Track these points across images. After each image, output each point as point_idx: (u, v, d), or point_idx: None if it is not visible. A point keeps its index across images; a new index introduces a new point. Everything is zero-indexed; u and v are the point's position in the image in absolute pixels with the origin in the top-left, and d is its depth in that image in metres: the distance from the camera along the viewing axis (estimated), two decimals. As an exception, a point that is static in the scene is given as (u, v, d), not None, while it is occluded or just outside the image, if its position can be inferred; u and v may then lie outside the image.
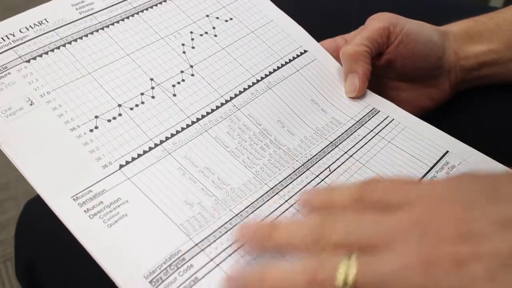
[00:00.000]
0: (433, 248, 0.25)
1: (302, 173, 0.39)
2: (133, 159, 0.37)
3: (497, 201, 0.26)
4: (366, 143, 0.42)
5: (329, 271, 0.26)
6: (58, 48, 0.41)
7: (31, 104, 0.38)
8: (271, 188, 0.38)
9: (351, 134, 0.43)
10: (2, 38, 0.40)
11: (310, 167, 0.40)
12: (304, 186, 0.38)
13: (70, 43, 0.42)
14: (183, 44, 0.45)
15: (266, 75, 0.45)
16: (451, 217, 0.26)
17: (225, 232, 0.34)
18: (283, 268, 0.28)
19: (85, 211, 0.34)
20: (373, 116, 0.44)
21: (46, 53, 0.41)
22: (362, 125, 0.44)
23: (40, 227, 0.46)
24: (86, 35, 0.43)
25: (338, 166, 0.40)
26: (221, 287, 0.31)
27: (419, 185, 0.30)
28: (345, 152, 0.41)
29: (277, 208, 0.37)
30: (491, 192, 0.27)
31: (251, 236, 0.31)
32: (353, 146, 0.42)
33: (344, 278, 0.26)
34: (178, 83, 0.42)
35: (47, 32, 0.42)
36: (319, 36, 0.50)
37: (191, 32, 0.46)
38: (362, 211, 0.29)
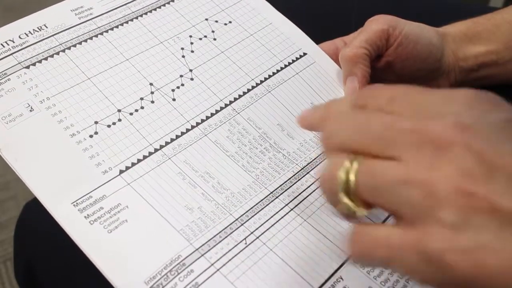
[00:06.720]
0: (446, 175, 0.22)
1: (302, 177, 0.39)
2: (133, 164, 0.37)
3: None
4: None
5: (331, 171, 0.26)
6: (57, 53, 0.41)
7: (31, 110, 0.38)
8: (271, 192, 0.38)
9: None
10: (2, 44, 0.40)
11: (310, 171, 0.40)
12: (304, 190, 0.38)
13: (69, 48, 0.42)
14: (182, 48, 0.45)
15: (266, 78, 0.45)
16: (477, 152, 0.23)
17: (225, 237, 0.35)
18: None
19: (85, 217, 0.34)
20: (372, 119, 0.44)
21: (46, 58, 0.41)
22: None
23: (39, 228, 0.47)
24: (86, 40, 0.43)
25: None
26: None
27: (430, 97, 0.26)
28: None
29: (277, 212, 0.37)
30: None
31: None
32: None
33: (345, 177, 0.25)
34: (178, 87, 0.42)
35: (46, 38, 0.42)
36: (318, 37, 0.50)
37: (190, 36, 0.46)
38: (371, 112, 0.27)
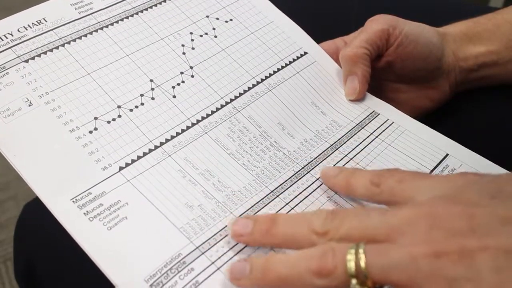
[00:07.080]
0: (441, 240, 0.26)
1: (303, 176, 0.39)
2: (133, 161, 0.37)
3: (501, 199, 0.27)
4: (366, 146, 0.42)
5: (339, 259, 0.27)
6: (57, 48, 0.41)
7: (29, 105, 0.37)
8: (272, 191, 0.38)
9: (351, 137, 0.43)
10: (0, 38, 0.40)
11: (310, 170, 0.40)
12: (305, 189, 0.38)
13: (69, 43, 0.41)
14: (183, 45, 0.44)
15: (266, 77, 0.45)
16: (458, 213, 0.27)
17: (226, 235, 0.34)
18: (287, 257, 0.29)
19: (84, 213, 0.33)
20: (373, 119, 0.44)
21: (45, 53, 0.40)
22: (362, 128, 0.43)
23: (39, 228, 0.46)
24: (85, 35, 0.42)
25: None
26: (224, 278, 0.31)
27: (429, 180, 0.31)
28: (345, 155, 0.41)
29: (278, 211, 0.36)
30: (494, 191, 0.28)
31: (248, 233, 0.32)
32: (353, 149, 0.42)
33: (356, 265, 0.26)
34: (178, 84, 0.42)
35: (45, 32, 0.41)
36: (318, 36, 0.50)
37: (191, 33, 0.45)
38: (368, 208, 0.31)
